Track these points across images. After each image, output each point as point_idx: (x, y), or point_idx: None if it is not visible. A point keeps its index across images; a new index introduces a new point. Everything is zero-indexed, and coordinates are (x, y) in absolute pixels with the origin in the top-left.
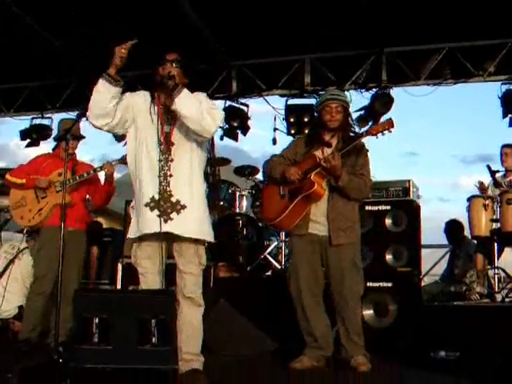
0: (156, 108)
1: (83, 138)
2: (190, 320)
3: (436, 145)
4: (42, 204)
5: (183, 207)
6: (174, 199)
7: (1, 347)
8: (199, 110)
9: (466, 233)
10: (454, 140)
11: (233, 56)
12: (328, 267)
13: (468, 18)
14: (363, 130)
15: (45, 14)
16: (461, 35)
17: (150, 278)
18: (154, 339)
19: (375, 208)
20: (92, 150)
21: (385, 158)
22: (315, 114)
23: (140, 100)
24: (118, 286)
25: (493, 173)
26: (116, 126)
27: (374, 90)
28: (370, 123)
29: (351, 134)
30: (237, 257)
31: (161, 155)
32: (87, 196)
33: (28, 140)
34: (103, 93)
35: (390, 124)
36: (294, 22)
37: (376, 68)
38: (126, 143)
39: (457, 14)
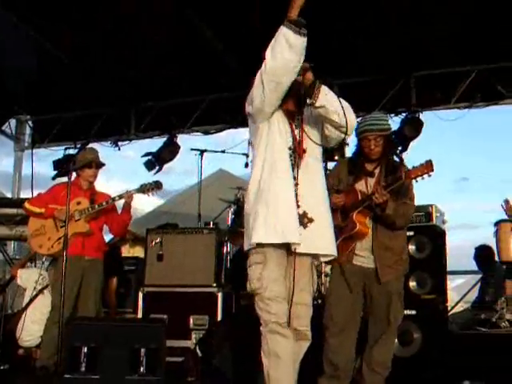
0: (283, 114)
1: (103, 165)
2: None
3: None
4: (62, 233)
5: (310, 220)
6: (300, 211)
7: (23, 375)
8: (343, 103)
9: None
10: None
11: None
12: (372, 299)
13: (498, 40)
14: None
15: (75, 45)
16: (491, 57)
17: (281, 303)
18: (142, 369)
19: None
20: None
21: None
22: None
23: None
24: (140, 315)
25: None
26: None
27: (404, 114)
28: (400, 148)
29: (395, 160)
30: None
31: (291, 160)
32: (104, 225)
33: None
34: (295, 46)
35: (429, 167)
36: (321, 47)
37: (405, 92)
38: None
39: (486, 36)
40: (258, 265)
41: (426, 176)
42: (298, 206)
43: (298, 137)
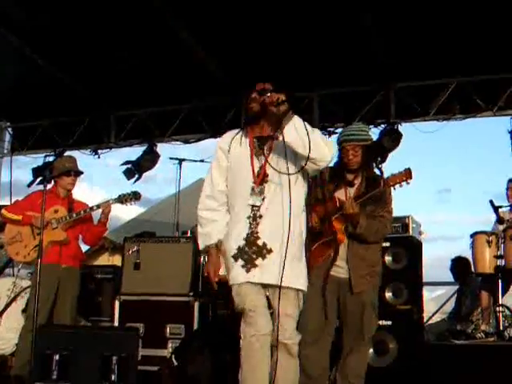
0: (247, 142)
1: (81, 173)
2: (287, 374)
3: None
4: (38, 240)
5: (269, 251)
6: (260, 242)
7: None
8: (317, 135)
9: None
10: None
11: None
12: (345, 309)
13: (477, 52)
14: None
15: (55, 52)
16: (469, 70)
17: (260, 312)
18: (113, 377)
19: None
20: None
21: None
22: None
23: (227, 142)
24: (116, 324)
25: (496, 208)
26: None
27: (383, 125)
28: (379, 159)
29: (376, 171)
30: None
31: (251, 194)
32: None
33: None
34: None
35: (407, 175)
36: (302, 59)
37: (384, 104)
38: (135, 180)
39: (465, 49)
40: (234, 285)
41: (404, 183)
42: (258, 238)
43: (256, 167)
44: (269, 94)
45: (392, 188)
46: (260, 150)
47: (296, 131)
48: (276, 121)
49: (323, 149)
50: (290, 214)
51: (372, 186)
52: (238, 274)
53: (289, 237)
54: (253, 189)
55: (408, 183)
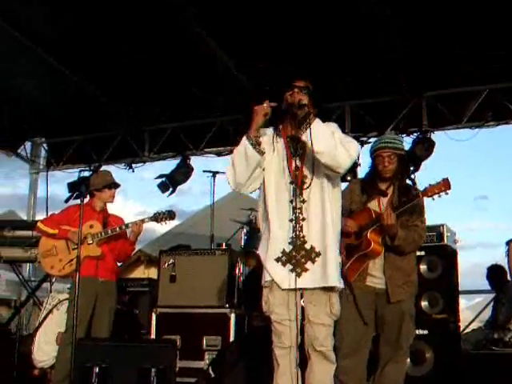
0: (282, 141)
1: (119, 186)
2: (321, 379)
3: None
4: (74, 255)
5: (318, 254)
6: (308, 246)
7: None
8: (332, 141)
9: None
10: None
11: None
12: (383, 320)
13: (508, 59)
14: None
15: (90, 68)
16: (501, 76)
17: (286, 325)
18: None
19: None
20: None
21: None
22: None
23: (264, 139)
24: (153, 336)
25: None
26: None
27: (415, 134)
28: (412, 168)
29: (408, 182)
30: None
31: (292, 195)
32: None
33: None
34: (249, 157)
35: (446, 185)
36: (334, 69)
37: (416, 112)
38: (170, 194)
39: (496, 56)
40: (265, 288)
41: (443, 194)
42: (305, 242)
43: (294, 167)
44: (293, 93)
45: (430, 198)
46: (294, 150)
47: (313, 136)
48: (296, 122)
49: (339, 157)
50: (329, 215)
51: (405, 196)
52: (282, 278)
53: (331, 239)
54: (294, 190)
55: (447, 193)
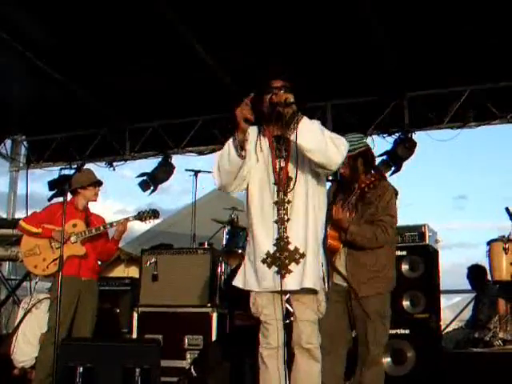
0: (266, 142)
1: (102, 184)
2: (308, 378)
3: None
4: (58, 254)
5: (302, 256)
6: (291, 247)
7: None
8: (322, 139)
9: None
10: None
11: None
12: (354, 318)
13: (489, 60)
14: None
15: (70, 66)
16: (482, 77)
17: (274, 325)
18: None
19: None
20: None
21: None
22: None
23: (249, 138)
24: (134, 335)
25: None
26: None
27: (397, 134)
28: (393, 168)
29: (372, 179)
30: None
31: (276, 196)
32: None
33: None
34: (231, 161)
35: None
36: (316, 69)
37: (398, 112)
38: (151, 192)
39: (478, 57)
40: (252, 291)
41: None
42: (289, 243)
43: (278, 168)
44: (277, 93)
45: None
46: (279, 151)
47: (303, 134)
48: (284, 122)
49: (331, 153)
50: (312, 216)
51: (369, 190)
52: (268, 280)
53: (313, 239)
54: (278, 191)
55: None
